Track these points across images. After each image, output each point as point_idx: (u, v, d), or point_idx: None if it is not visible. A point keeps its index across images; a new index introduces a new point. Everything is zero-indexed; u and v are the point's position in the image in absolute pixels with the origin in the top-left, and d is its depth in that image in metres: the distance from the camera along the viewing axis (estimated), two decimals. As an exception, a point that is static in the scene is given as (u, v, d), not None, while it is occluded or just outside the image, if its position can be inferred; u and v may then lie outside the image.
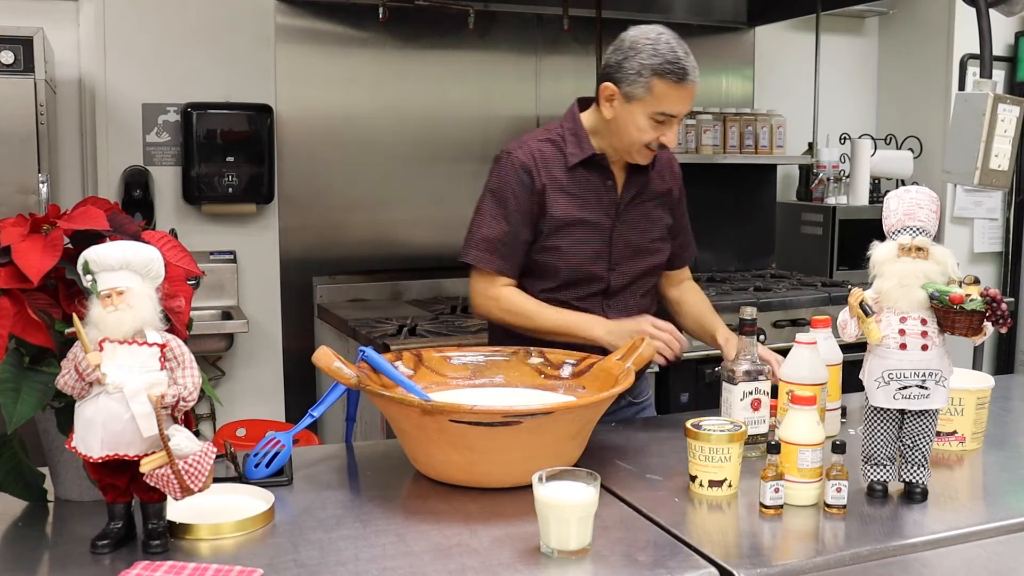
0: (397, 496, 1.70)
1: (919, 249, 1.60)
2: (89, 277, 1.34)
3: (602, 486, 1.54)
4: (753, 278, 4.32)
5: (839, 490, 1.58)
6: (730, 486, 1.66)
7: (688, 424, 1.68)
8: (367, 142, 3.99)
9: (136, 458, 1.33)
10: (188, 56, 3.69)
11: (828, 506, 1.59)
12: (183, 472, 1.32)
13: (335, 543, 1.46)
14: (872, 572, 1.45)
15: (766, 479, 1.58)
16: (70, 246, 1.45)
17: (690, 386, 3.47)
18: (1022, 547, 1.56)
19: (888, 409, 1.64)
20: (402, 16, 3.92)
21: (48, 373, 1.43)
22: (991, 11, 2.16)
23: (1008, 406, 2.29)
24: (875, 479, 1.67)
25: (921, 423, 1.64)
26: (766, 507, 1.58)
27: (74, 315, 1.32)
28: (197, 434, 1.39)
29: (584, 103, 2.26)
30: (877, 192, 4.60)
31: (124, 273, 1.34)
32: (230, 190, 3.68)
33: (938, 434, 1.77)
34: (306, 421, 1.83)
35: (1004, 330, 1.58)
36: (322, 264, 3.97)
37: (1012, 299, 4.62)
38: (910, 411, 1.63)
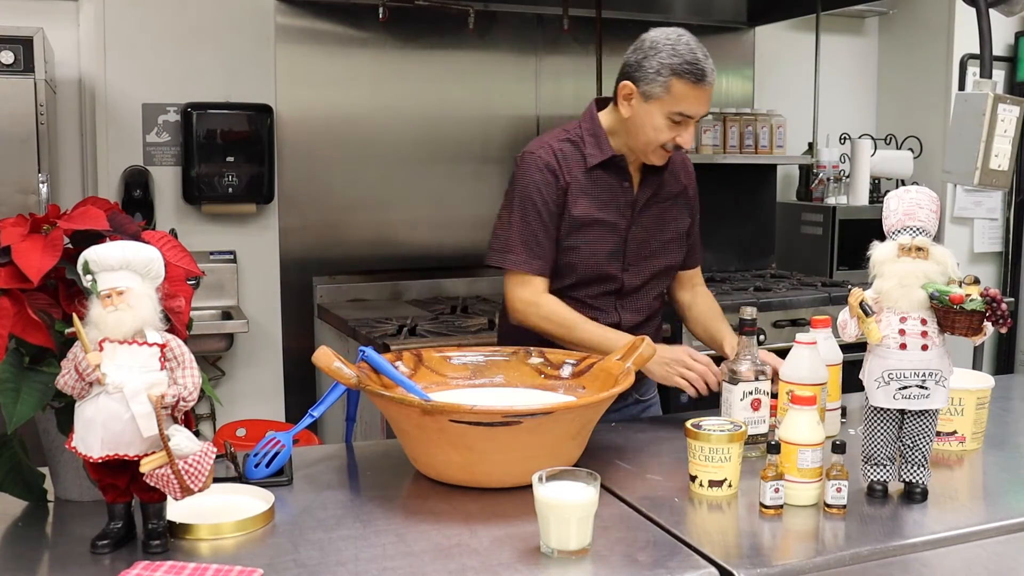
0: (397, 496, 1.70)
1: (919, 249, 1.60)
2: (89, 277, 1.34)
3: (602, 486, 1.54)
4: (753, 278, 4.32)
5: (839, 490, 1.58)
6: (730, 486, 1.66)
7: (688, 424, 1.68)
8: (367, 142, 3.99)
9: (136, 458, 1.33)
10: (188, 56, 3.69)
11: (828, 506, 1.59)
12: (183, 472, 1.32)
13: (335, 543, 1.46)
14: (872, 572, 1.45)
15: (766, 479, 1.58)
16: (70, 246, 1.45)
17: (690, 386, 3.46)
18: (1022, 547, 1.56)
19: (888, 409, 1.64)
20: (402, 16, 3.92)
21: (48, 373, 1.43)
22: (991, 11, 2.16)
23: (1008, 406, 2.29)
24: (875, 479, 1.67)
25: (921, 423, 1.64)
26: (766, 507, 1.58)
27: (74, 315, 1.32)
28: (197, 434, 1.39)
29: (601, 103, 2.27)
30: (877, 192, 4.60)
31: (124, 273, 1.34)
32: (230, 190, 3.68)
33: (938, 434, 1.77)
34: (306, 421, 1.83)
35: (1004, 330, 1.58)
36: (322, 264, 3.97)
37: (1012, 299, 4.62)
38: (910, 411, 1.63)
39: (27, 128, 3.07)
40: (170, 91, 3.66)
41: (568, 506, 1.40)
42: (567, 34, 4.12)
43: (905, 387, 1.60)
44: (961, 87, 4.40)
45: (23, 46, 3.05)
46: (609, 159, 2.19)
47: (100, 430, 1.32)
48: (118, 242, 1.37)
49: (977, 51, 2.14)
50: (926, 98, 4.69)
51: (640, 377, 2.08)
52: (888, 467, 1.67)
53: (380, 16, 3.82)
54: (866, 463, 1.68)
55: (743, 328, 1.91)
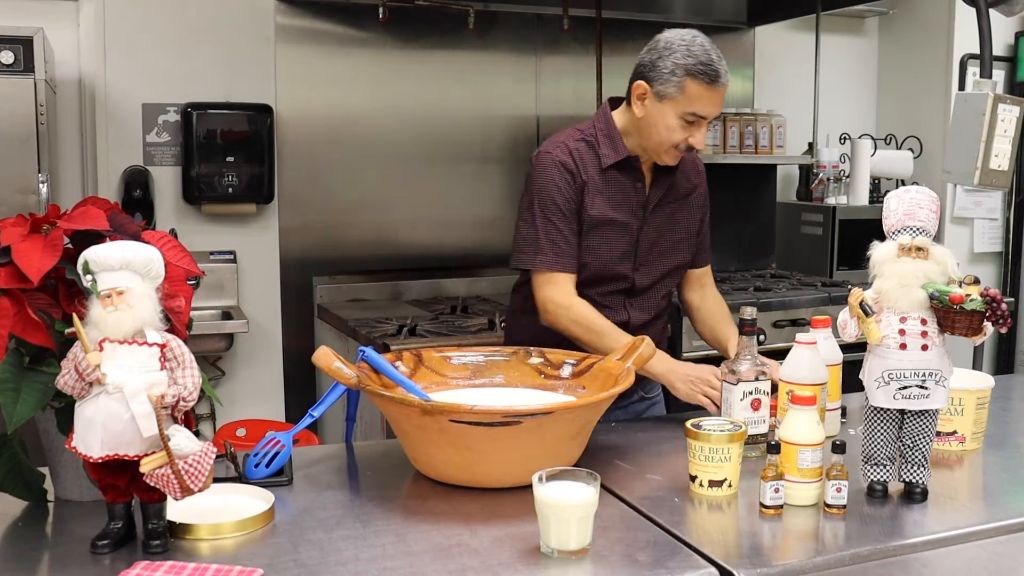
0: (397, 496, 1.70)
1: (919, 249, 1.60)
2: (89, 277, 1.34)
3: (602, 486, 1.54)
4: (753, 278, 4.32)
5: (839, 490, 1.58)
6: (730, 486, 1.66)
7: (688, 424, 1.69)
8: (367, 142, 3.99)
9: (136, 458, 1.33)
10: (188, 56, 3.69)
11: (828, 506, 1.59)
12: (183, 472, 1.32)
13: (335, 543, 1.46)
14: (872, 572, 1.45)
15: (766, 479, 1.58)
16: (70, 246, 1.45)
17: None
18: (1022, 547, 1.56)
19: (888, 409, 1.64)
20: (402, 16, 3.92)
21: (48, 373, 1.43)
22: (991, 11, 2.16)
23: (1008, 406, 2.29)
24: (875, 479, 1.67)
25: (921, 423, 1.64)
26: (766, 507, 1.58)
27: (74, 315, 1.32)
28: (197, 434, 1.39)
29: (615, 103, 2.27)
30: (877, 192, 4.60)
31: (124, 273, 1.34)
32: (230, 190, 3.68)
33: (938, 434, 1.77)
34: (306, 421, 1.83)
35: (1004, 330, 1.58)
36: (322, 264, 3.97)
37: (1012, 299, 4.62)
38: (910, 411, 1.63)
39: (27, 128, 3.07)
40: (170, 91, 3.66)
41: (568, 506, 1.40)
42: (567, 34, 4.12)
43: (905, 387, 1.60)
44: (961, 87, 4.40)
45: (23, 46, 3.05)
46: (624, 159, 2.20)
47: (100, 430, 1.32)
48: (118, 242, 1.37)
49: (977, 51, 2.14)
50: (926, 98, 4.69)
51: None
52: (888, 467, 1.67)
53: (380, 16, 3.82)
54: (866, 463, 1.68)
55: (743, 328, 1.91)
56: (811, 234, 4.52)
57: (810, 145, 4.56)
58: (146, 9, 3.62)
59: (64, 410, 1.48)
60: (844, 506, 1.59)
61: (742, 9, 4.51)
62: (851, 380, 1.87)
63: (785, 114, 4.38)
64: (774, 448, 1.59)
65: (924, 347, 1.59)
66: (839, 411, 2.03)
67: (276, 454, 1.72)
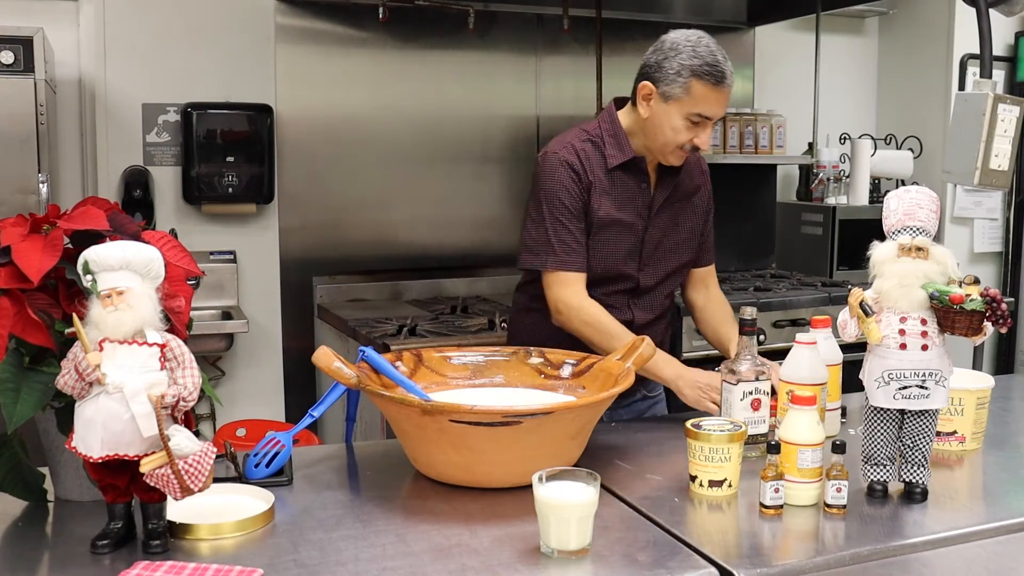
0: (397, 496, 1.70)
1: (919, 249, 1.60)
2: (89, 277, 1.34)
3: (602, 486, 1.54)
4: (753, 278, 4.32)
5: (839, 490, 1.58)
6: (730, 486, 1.66)
7: (688, 424, 1.69)
8: (367, 142, 3.99)
9: (136, 458, 1.33)
10: (188, 56, 3.69)
11: (828, 506, 1.59)
12: (183, 472, 1.32)
13: (335, 543, 1.46)
14: (872, 572, 1.45)
15: (766, 479, 1.58)
16: (70, 246, 1.45)
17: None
18: (1022, 547, 1.56)
19: (888, 409, 1.64)
20: (402, 16, 3.92)
21: (48, 373, 1.43)
22: (991, 11, 2.16)
23: (1008, 406, 2.28)
24: (875, 479, 1.67)
25: (921, 423, 1.64)
26: (766, 507, 1.58)
27: (74, 315, 1.32)
28: (197, 434, 1.39)
29: (620, 103, 2.28)
30: (877, 192, 4.60)
31: (124, 273, 1.34)
32: (230, 190, 3.68)
33: (938, 434, 1.77)
34: (306, 421, 1.83)
35: (1004, 330, 1.58)
36: (322, 264, 3.97)
37: (1012, 299, 4.61)
38: (910, 411, 1.63)
39: (27, 128, 3.07)
40: (170, 91, 3.66)
41: (568, 506, 1.40)
42: (567, 34, 4.12)
43: (905, 387, 1.60)
44: (961, 87, 4.40)
45: (23, 46, 3.05)
46: (630, 160, 2.20)
47: (100, 430, 1.32)
48: (118, 242, 1.37)
49: (977, 51, 2.14)
50: (926, 98, 4.69)
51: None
52: (888, 467, 1.67)
53: (380, 16, 3.82)
54: (866, 463, 1.68)
55: (743, 328, 1.91)
56: (811, 234, 4.52)
57: (810, 145, 4.56)
58: (146, 9, 3.62)
59: (64, 410, 1.48)
60: (844, 506, 1.59)
61: (742, 9, 4.51)
62: (851, 380, 1.87)
63: (785, 114, 4.38)
64: (774, 448, 1.59)
65: (924, 347, 1.59)
66: (839, 411, 2.03)
67: (276, 454, 1.72)
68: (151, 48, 3.64)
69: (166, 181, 3.70)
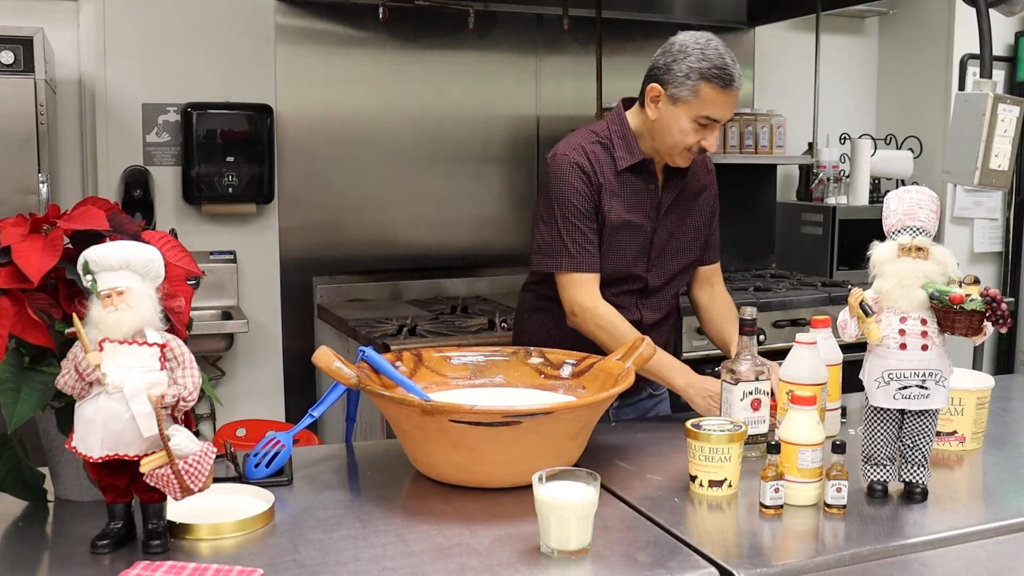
0: (397, 496, 1.70)
1: (919, 249, 1.60)
2: (89, 277, 1.34)
3: (602, 486, 1.54)
4: (753, 278, 4.32)
5: (839, 490, 1.58)
6: (730, 486, 1.66)
7: (688, 424, 1.69)
8: (367, 142, 3.99)
9: (136, 458, 1.33)
10: (188, 56, 3.69)
11: (828, 506, 1.59)
12: (183, 472, 1.32)
13: (335, 543, 1.46)
14: (872, 572, 1.45)
15: (766, 479, 1.58)
16: (70, 246, 1.45)
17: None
18: (1022, 547, 1.56)
19: (888, 409, 1.64)
20: (402, 16, 3.92)
21: (48, 373, 1.43)
22: (991, 11, 2.16)
23: (1008, 406, 2.28)
24: (875, 479, 1.67)
25: (921, 423, 1.64)
26: (766, 507, 1.58)
27: (74, 315, 1.32)
28: (197, 434, 1.39)
29: (628, 103, 2.28)
30: (877, 192, 4.60)
31: (124, 273, 1.34)
32: (230, 190, 3.68)
33: (938, 434, 1.77)
34: (306, 421, 1.83)
35: (1004, 330, 1.58)
36: (322, 264, 3.97)
37: (1012, 299, 4.61)
38: (910, 411, 1.63)
39: (27, 128, 3.07)
40: (170, 91, 3.66)
41: (568, 506, 1.40)
42: (567, 34, 4.12)
43: (905, 387, 1.60)
44: (961, 87, 4.40)
45: (23, 46, 3.05)
46: (639, 162, 2.21)
47: (100, 430, 1.32)
48: (118, 242, 1.37)
49: (977, 51, 2.14)
50: (926, 98, 4.69)
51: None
52: (888, 467, 1.67)
53: (380, 16, 3.82)
54: (866, 463, 1.68)
55: (743, 328, 1.91)
56: (811, 234, 4.52)
57: (810, 145, 4.56)
58: (146, 9, 3.62)
59: (64, 410, 1.48)
60: (844, 506, 1.59)
61: (742, 9, 4.51)
62: (851, 380, 1.87)
63: (785, 114, 4.38)
64: (774, 448, 1.59)
65: (924, 347, 1.59)
66: (839, 411, 2.03)
67: (276, 454, 1.72)
68: (151, 48, 3.64)
69: (166, 181, 3.70)
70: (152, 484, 1.34)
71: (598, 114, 4.03)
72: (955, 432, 1.92)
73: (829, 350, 1.97)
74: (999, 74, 4.52)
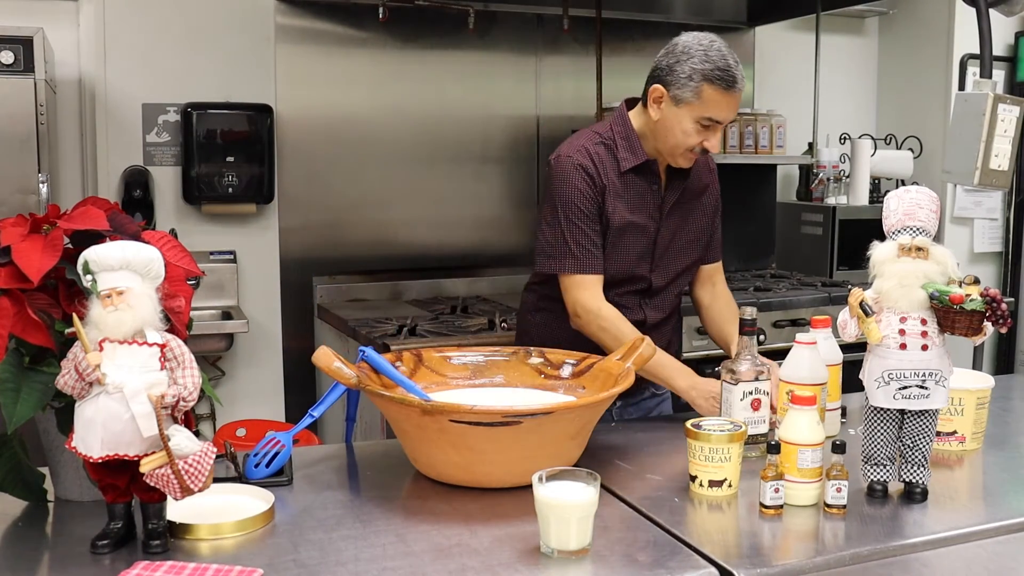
0: (397, 496, 1.70)
1: (919, 249, 1.60)
2: (89, 277, 1.34)
3: (602, 486, 1.54)
4: (753, 278, 4.32)
5: (839, 490, 1.58)
6: (730, 486, 1.66)
7: (688, 424, 1.69)
8: (367, 142, 3.99)
9: (136, 458, 1.33)
10: (188, 56, 3.69)
11: (828, 506, 1.59)
12: (183, 472, 1.32)
13: (335, 543, 1.46)
14: (872, 572, 1.45)
15: (766, 479, 1.58)
16: (70, 246, 1.45)
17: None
18: (1022, 547, 1.56)
19: (888, 409, 1.64)
20: (402, 16, 3.92)
21: (48, 373, 1.43)
22: (991, 11, 2.16)
23: (1008, 406, 2.28)
24: (875, 479, 1.67)
25: (921, 423, 1.64)
26: (766, 507, 1.58)
27: (74, 315, 1.32)
28: (197, 434, 1.39)
29: (631, 103, 2.29)
30: (877, 192, 4.60)
31: (124, 273, 1.34)
32: (230, 190, 3.68)
33: (938, 434, 1.77)
34: (306, 421, 1.83)
35: (1004, 330, 1.58)
36: (322, 264, 3.97)
37: (1012, 299, 4.61)
38: (910, 411, 1.63)
39: (27, 128, 3.07)
40: (170, 91, 3.66)
41: (568, 506, 1.40)
42: (567, 34, 4.12)
43: (905, 387, 1.60)
44: (961, 87, 4.40)
45: (23, 46, 3.05)
46: (642, 163, 2.21)
47: (100, 430, 1.32)
48: (118, 242, 1.37)
49: (977, 51, 2.14)
50: (926, 98, 4.69)
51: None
52: (888, 467, 1.67)
53: (380, 16, 3.82)
54: (866, 463, 1.68)
55: (743, 328, 1.91)
56: (811, 234, 4.52)
57: (810, 145, 4.56)
58: (146, 9, 3.62)
59: (64, 410, 1.48)
60: (844, 506, 1.59)
61: (742, 9, 4.51)
62: (851, 380, 1.87)
63: (785, 114, 4.38)
64: (774, 448, 1.59)
65: (924, 347, 1.59)
66: (839, 411, 2.03)
67: (276, 454, 1.72)
68: (151, 48, 3.64)
69: (166, 181, 3.70)
70: (152, 484, 1.34)
71: (598, 114, 4.03)
72: (955, 432, 1.92)
73: (829, 350, 1.97)
74: (999, 74, 4.52)
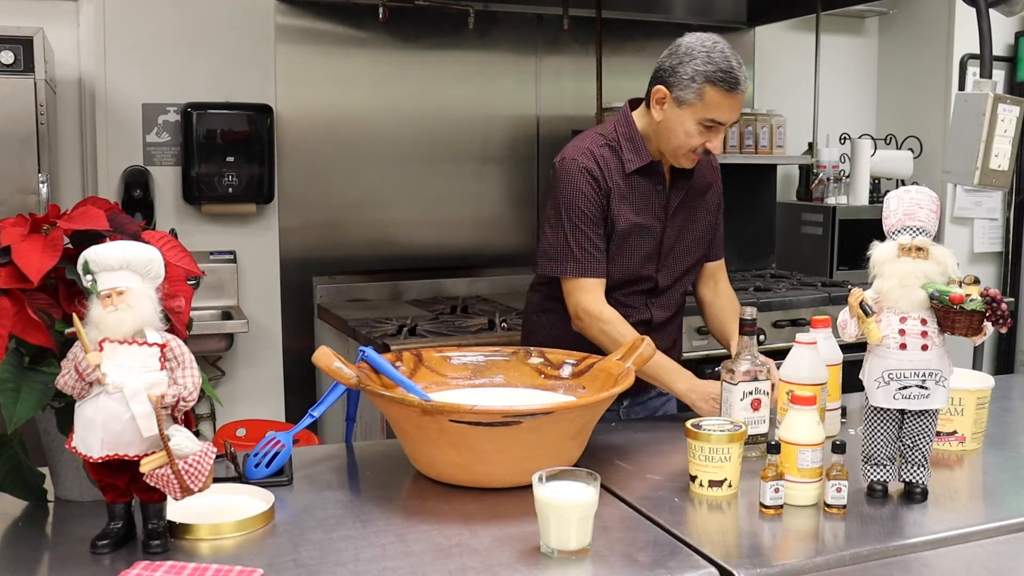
0: (397, 496, 1.70)
1: (919, 249, 1.60)
2: (89, 277, 1.34)
3: (602, 486, 1.54)
4: (753, 278, 4.32)
5: (839, 490, 1.58)
6: (730, 486, 1.66)
7: (688, 424, 1.69)
8: (367, 142, 3.99)
9: (136, 458, 1.33)
10: (188, 56, 3.69)
11: (828, 506, 1.59)
12: (183, 472, 1.32)
13: (335, 543, 1.46)
14: (872, 572, 1.45)
15: (766, 479, 1.58)
16: (70, 246, 1.45)
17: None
18: (1022, 547, 1.56)
19: (888, 409, 1.64)
20: (402, 16, 3.92)
21: (48, 373, 1.43)
22: (991, 11, 2.16)
23: (1008, 406, 2.29)
24: (875, 479, 1.67)
25: (921, 423, 1.64)
26: (766, 507, 1.58)
27: (74, 315, 1.32)
28: (197, 434, 1.39)
29: (634, 103, 2.29)
30: (877, 192, 4.60)
31: (124, 273, 1.34)
32: (230, 190, 3.68)
33: (938, 434, 1.77)
34: (306, 421, 1.83)
35: (1004, 330, 1.58)
36: (322, 264, 3.97)
37: (1012, 299, 4.61)
38: (910, 411, 1.63)
39: (27, 128, 3.07)
40: (170, 91, 3.66)
41: (568, 506, 1.40)
42: (567, 34, 4.12)
43: (905, 387, 1.60)
44: (961, 87, 4.40)
45: (23, 46, 3.05)
46: (647, 164, 2.21)
47: (100, 430, 1.32)
48: (118, 242, 1.37)
49: (977, 51, 2.15)
50: (926, 98, 4.69)
51: None
52: (888, 467, 1.67)
53: (380, 16, 3.82)
54: (866, 463, 1.68)
55: (743, 328, 1.91)
56: (811, 234, 4.52)
57: (810, 145, 4.56)
58: (146, 9, 3.62)
59: (64, 410, 1.48)
60: (844, 506, 1.59)
61: (742, 9, 4.51)
62: (851, 380, 1.87)
63: (785, 114, 4.38)
64: (774, 448, 1.59)
65: (924, 347, 1.59)
66: (839, 411, 2.03)
67: (276, 454, 1.72)
68: (151, 48, 3.64)
69: (166, 181, 3.70)
70: (152, 484, 1.34)
71: (598, 114, 4.03)
72: (955, 432, 1.92)
73: (829, 350, 1.97)
74: (999, 74, 4.51)
